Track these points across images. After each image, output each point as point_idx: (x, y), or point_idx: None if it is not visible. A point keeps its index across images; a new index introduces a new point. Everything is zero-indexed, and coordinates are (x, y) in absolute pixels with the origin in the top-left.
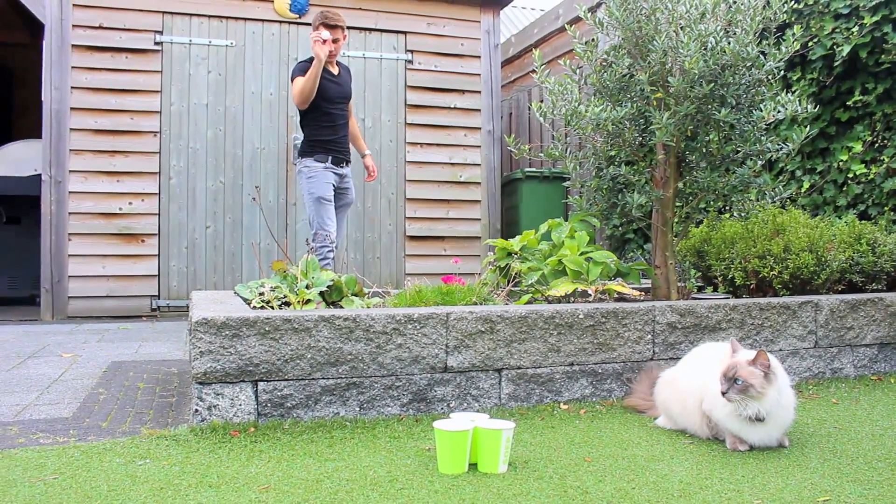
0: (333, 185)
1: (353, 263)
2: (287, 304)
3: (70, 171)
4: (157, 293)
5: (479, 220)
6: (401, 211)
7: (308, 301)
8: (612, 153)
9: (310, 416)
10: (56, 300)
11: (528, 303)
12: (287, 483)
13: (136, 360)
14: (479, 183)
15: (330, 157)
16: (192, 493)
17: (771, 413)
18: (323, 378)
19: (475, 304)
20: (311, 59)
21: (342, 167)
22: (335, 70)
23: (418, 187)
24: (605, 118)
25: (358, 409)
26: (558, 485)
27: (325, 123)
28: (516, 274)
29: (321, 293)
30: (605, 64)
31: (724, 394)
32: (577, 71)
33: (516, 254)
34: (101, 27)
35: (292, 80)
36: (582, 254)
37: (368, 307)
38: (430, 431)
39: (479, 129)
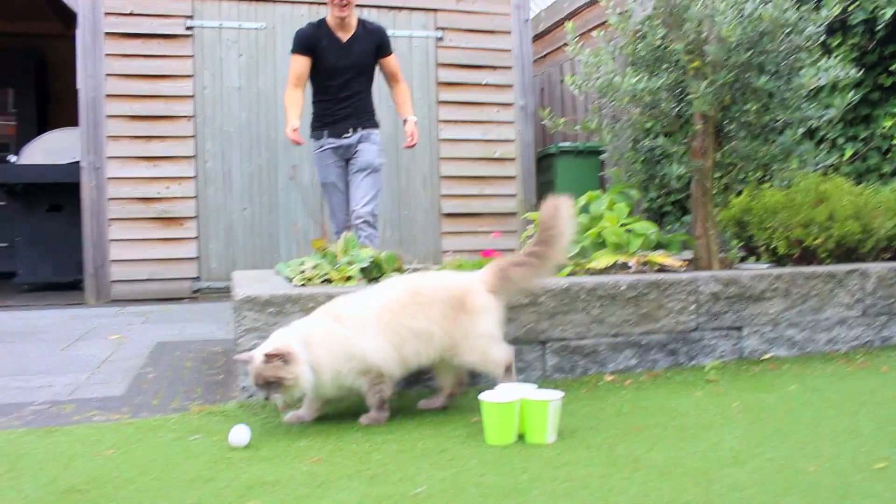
0: (337, 164)
1: (390, 241)
2: (328, 281)
3: (108, 158)
4: (197, 275)
5: (515, 195)
6: (436, 188)
7: (349, 278)
8: (649, 125)
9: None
10: (99, 284)
11: (569, 275)
12: (338, 454)
13: (181, 341)
14: (513, 159)
15: (326, 131)
16: (245, 465)
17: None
18: None
19: None
20: (316, 23)
21: (347, 136)
22: (346, 36)
23: (452, 164)
24: (641, 89)
25: (404, 382)
26: (608, 454)
27: (320, 97)
28: None
29: (361, 269)
30: (639, 34)
31: (266, 399)
32: (611, 42)
33: None
34: (132, 14)
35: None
36: (622, 225)
37: None
38: (475, 403)
39: (512, 104)
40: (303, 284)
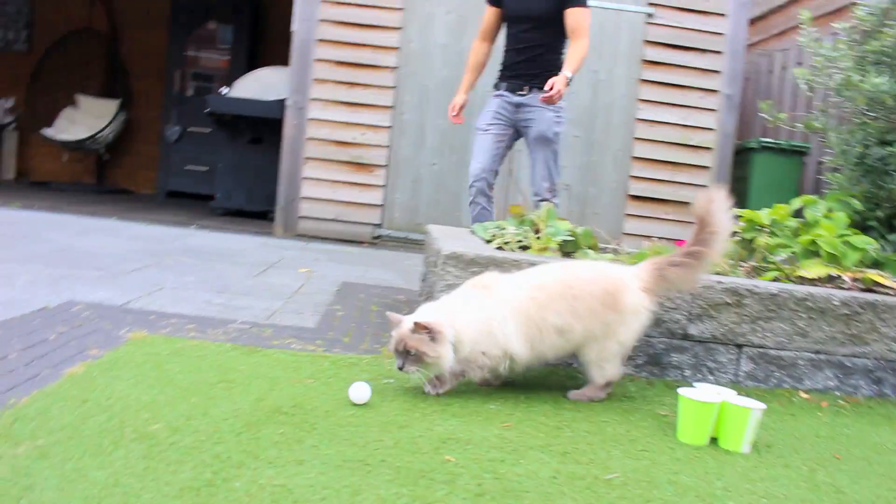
0: (501, 114)
1: (571, 216)
2: (525, 248)
3: (311, 99)
4: (379, 222)
5: (706, 187)
6: (625, 169)
7: (545, 249)
8: (888, 132)
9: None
10: (288, 218)
11: (774, 280)
12: (528, 424)
13: (364, 283)
14: (710, 148)
15: (504, 84)
16: (437, 418)
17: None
18: None
19: (717, 273)
20: None
21: (522, 93)
22: None
23: (646, 146)
24: (885, 91)
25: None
26: (808, 477)
27: (505, 47)
28: (758, 249)
29: (558, 244)
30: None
31: (400, 368)
32: (851, 35)
33: (765, 227)
34: None
35: None
36: (839, 236)
37: None
38: (663, 396)
39: (717, 92)
40: (499, 248)
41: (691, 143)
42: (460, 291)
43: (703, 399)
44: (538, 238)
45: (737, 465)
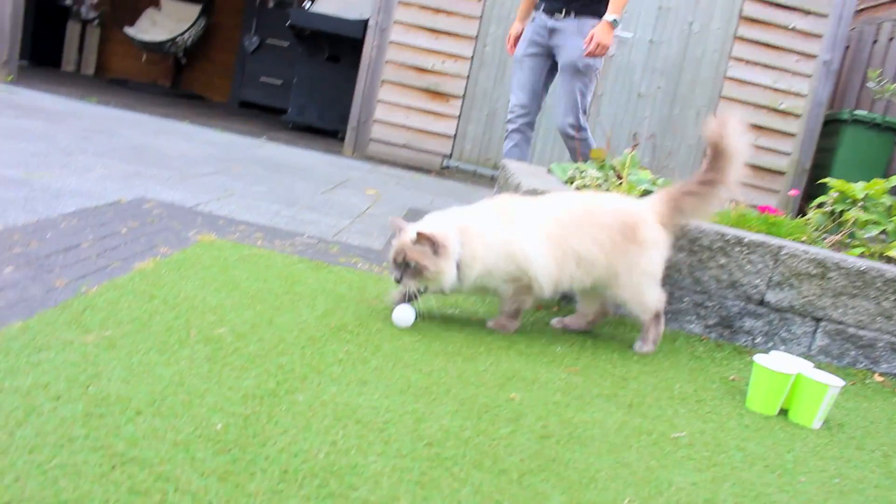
0: (535, 42)
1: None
2: None
3: (394, 22)
4: (449, 153)
5: (789, 154)
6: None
7: None
8: None
9: (613, 311)
10: (358, 139)
11: (860, 256)
12: (593, 370)
13: (432, 211)
14: (798, 115)
15: (543, 5)
16: (503, 355)
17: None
18: None
19: (803, 242)
20: None
21: (558, 16)
22: None
23: (731, 106)
24: None
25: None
26: (883, 464)
27: None
28: (846, 223)
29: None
30: None
31: (397, 280)
32: None
33: (857, 202)
34: None
35: None
36: None
37: None
38: (732, 360)
39: (815, 57)
40: (578, 189)
41: (780, 108)
42: (478, 206)
43: (779, 369)
44: (619, 184)
45: (808, 440)
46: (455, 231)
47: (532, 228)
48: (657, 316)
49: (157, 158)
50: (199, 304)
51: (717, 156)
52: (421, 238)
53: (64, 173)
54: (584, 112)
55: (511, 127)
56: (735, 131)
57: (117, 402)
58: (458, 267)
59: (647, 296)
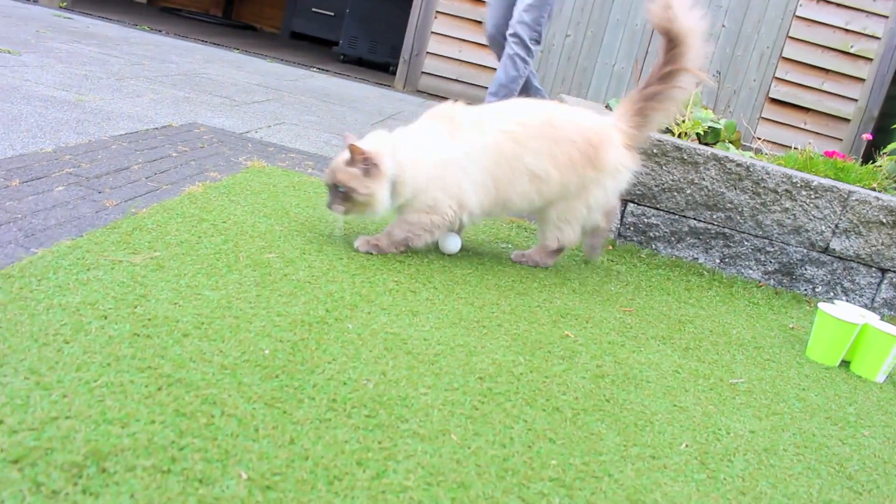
0: None
1: None
2: (669, 132)
3: None
4: None
5: (856, 101)
6: (770, 69)
7: (685, 134)
8: None
9: (667, 253)
10: (410, 72)
11: None
12: (649, 312)
13: None
14: (870, 59)
15: None
16: (556, 292)
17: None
18: (694, 219)
19: (874, 189)
20: None
21: None
22: None
23: (799, 47)
24: None
25: (718, 261)
26: None
27: None
28: None
29: (698, 133)
30: None
31: (329, 207)
32: None
33: None
34: None
35: None
36: None
37: None
38: (791, 308)
39: None
40: None
41: (850, 50)
42: (420, 122)
43: (845, 318)
44: (683, 122)
45: (871, 393)
46: (391, 151)
47: (477, 153)
48: (558, 251)
49: (208, 85)
50: (249, 230)
51: (670, 41)
52: (354, 153)
53: (115, 97)
54: (545, 27)
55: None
56: (682, 7)
57: (164, 324)
58: (394, 188)
59: (569, 228)
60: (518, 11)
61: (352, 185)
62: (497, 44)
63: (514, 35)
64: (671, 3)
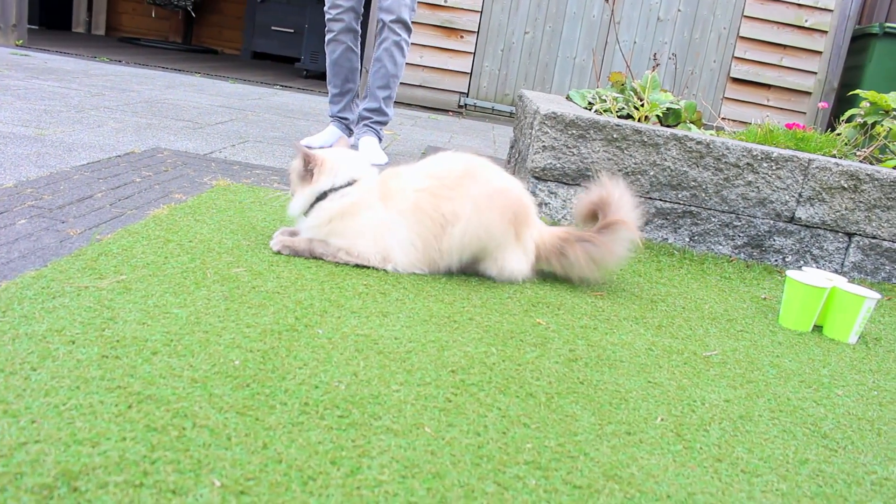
0: None
1: None
2: (629, 117)
3: None
4: (465, 91)
5: (815, 74)
6: (729, 49)
7: (646, 118)
8: None
9: None
10: None
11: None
12: (621, 296)
13: (449, 148)
14: (825, 31)
15: None
16: (527, 283)
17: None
18: (660, 199)
19: (834, 156)
20: None
21: None
22: None
23: (755, 26)
24: None
25: (688, 239)
26: None
27: None
28: (878, 136)
29: (658, 116)
30: None
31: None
32: None
33: (891, 112)
34: None
35: None
36: None
37: None
38: (763, 280)
39: None
40: (598, 114)
41: (805, 25)
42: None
43: (813, 283)
44: (641, 107)
45: (843, 354)
46: (352, 170)
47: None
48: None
49: (170, 110)
50: (216, 247)
51: (606, 220)
52: (306, 159)
53: (76, 129)
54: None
55: (338, 28)
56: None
57: (133, 344)
58: (315, 201)
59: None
60: (399, 1)
61: (290, 176)
62: (348, 28)
63: (399, 21)
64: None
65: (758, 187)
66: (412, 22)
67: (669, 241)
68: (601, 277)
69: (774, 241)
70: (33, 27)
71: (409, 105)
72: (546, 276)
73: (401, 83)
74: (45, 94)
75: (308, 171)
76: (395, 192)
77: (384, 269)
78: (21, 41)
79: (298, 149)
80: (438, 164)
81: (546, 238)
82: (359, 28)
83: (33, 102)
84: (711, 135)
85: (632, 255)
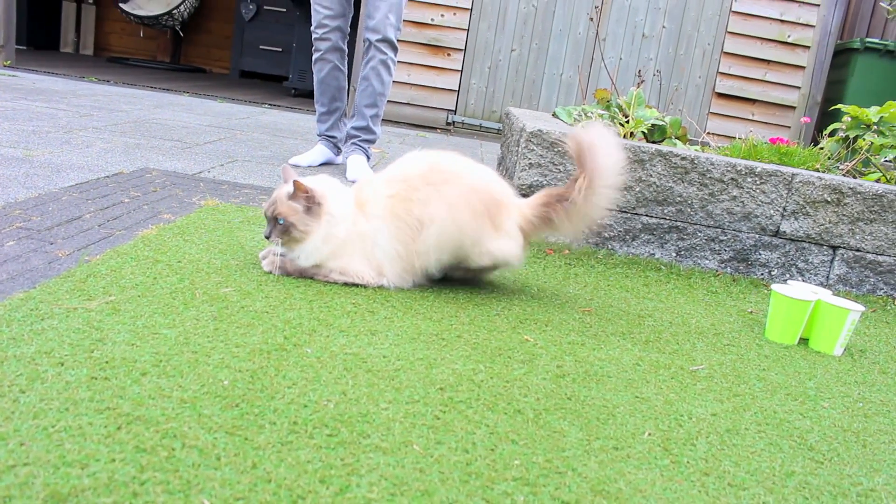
0: None
1: None
2: None
3: None
4: (453, 108)
5: (799, 88)
6: (714, 64)
7: (632, 134)
8: None
9: (624, 251)
10: None
11: (877, 181)
12: (608, 311)
13: None
14: (807, 47)
15: None
16: (514, 299)
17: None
18: (646, 215)
19: (818, 170)
20: None
21: None
22: None
23: (739, 41)
24: None
25: (675, 254)
26: None
27: None
28: (860, 150)
29: (644, 132)
30: None
31: (267, 237)
32: None
33: (872, 126)
34: None
35: None
36: None
37: None
38: (749, 293)
39: None
40: None
41: (788, 40)
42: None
43: (798, 296)
44: (626, 123)
45: (829, 366)
46: (342, 197)
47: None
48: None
49: (159, 130)
50: (204, 267)
51: (583, 172)
52: (298, 189)
53: (64, 149)
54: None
55: (326, 47)
56: (603, 146)
57: (122, 365)
58: (325, 243)
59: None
60: (381, 13)
61: (292, 220)
62: (334, 47)
63: (385, 40)
64: (589, 141)
65: (743, 202)
66: (398, 40)
67: (656, 257)
68: (593, 228)
69: (760, 254)
70: (21, 47)
71: (397, 123)
72: (533, 293)
73: (388, 101)
74: (33, 114)
75: (309, 206)
76: (369, 202)
77: (378, 285)
78: (9, 62)
79: (289, 178)
80: (404, 167)
81: (528, 213)
82: (346, 47)
83: (21, 123)
84: (696, 150)
85: (613, 201)
